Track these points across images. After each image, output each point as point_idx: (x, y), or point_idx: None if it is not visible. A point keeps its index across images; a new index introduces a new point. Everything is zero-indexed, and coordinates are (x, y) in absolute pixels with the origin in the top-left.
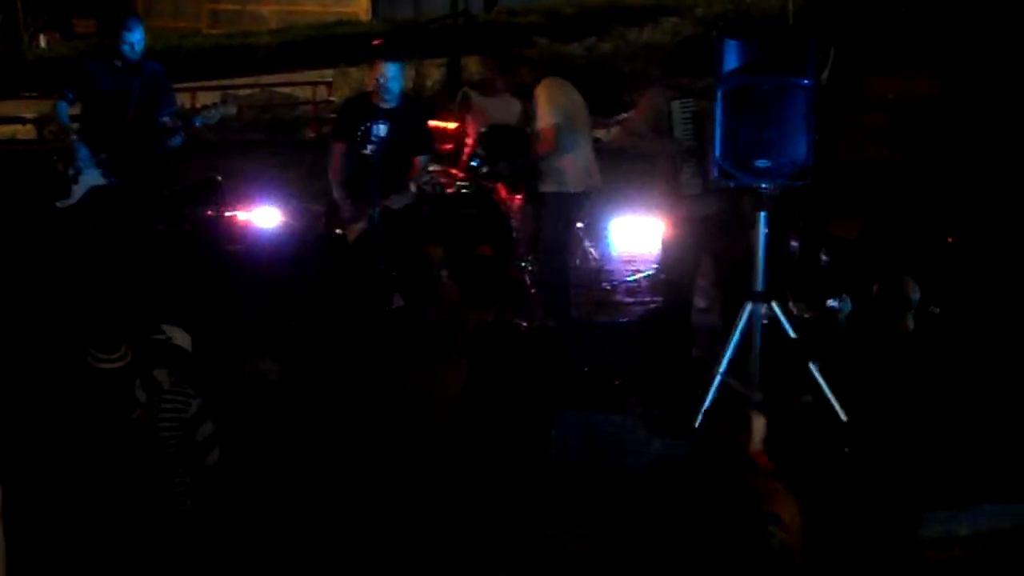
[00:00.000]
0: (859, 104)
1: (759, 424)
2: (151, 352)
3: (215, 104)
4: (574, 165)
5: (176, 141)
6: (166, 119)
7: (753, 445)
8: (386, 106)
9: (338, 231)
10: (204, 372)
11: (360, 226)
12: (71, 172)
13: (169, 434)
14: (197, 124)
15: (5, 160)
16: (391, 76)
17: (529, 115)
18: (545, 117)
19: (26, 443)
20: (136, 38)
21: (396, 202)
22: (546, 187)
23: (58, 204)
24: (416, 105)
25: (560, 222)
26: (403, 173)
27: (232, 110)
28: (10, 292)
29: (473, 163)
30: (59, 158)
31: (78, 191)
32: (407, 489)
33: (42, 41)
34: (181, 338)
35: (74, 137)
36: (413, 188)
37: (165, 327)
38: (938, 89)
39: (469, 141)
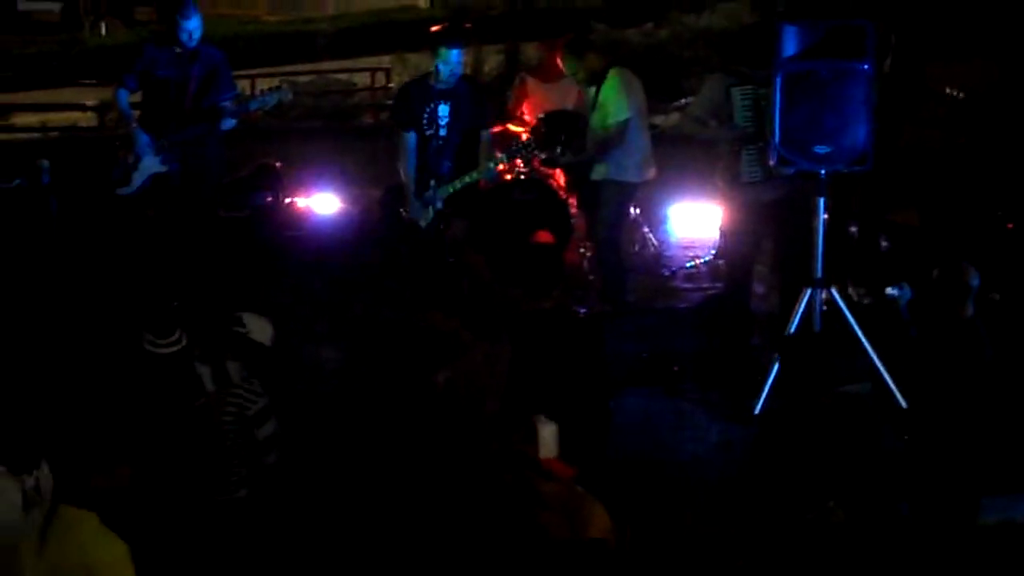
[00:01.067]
0: (920, 91)
1: (548, 432)
2: (227, 343)
3: (271, 88)
4: (634, 156)
5: (229, 124)
6: (227, 103)
7: (544, 453)
8: (444, 87)
9: (403, 213)
10: (277, 367)
11: (429, 212)
12: (131, 160)
13: (229, 428)
14: (252, 108)
15: (67, 147)
16: (454, 62)
17: (590, 102)
18: (619, 111)
19: (82, 424)
20: (193, 25)
21: (469, 181)
22: (605, 175)
23: (119, 192)
24: (472, 82)
25: (618, 210)
26: (472, 150)
27: (288, 95)
28: (68, 279)
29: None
30: (120, 145)
31: (138, 178)
32: (459, 476)
33: (103, 29)
34: (261, 331)
35: (134, 125)
36: (491, 165)
37: (247, 317)
38: (996, 76)
39: (526, 127)
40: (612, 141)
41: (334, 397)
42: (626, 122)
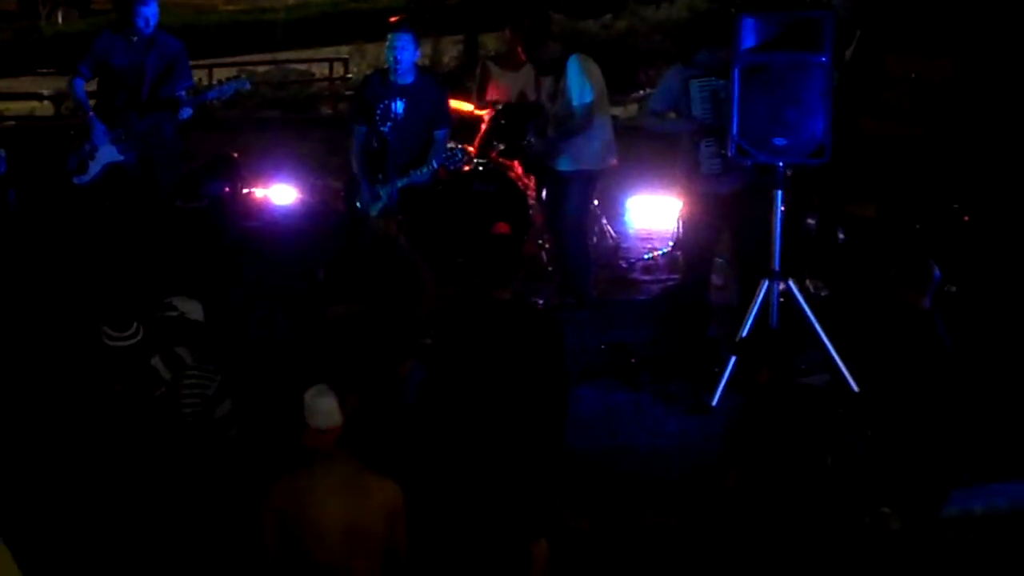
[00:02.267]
0: (879, 82)
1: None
2: (168, 329)
3: (229, 79)
4: (595, 143)
5: (186, 113)
6: (182, 94)
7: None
8: (402, 82)
9: (358, 205)
10: (222, 346)
11: (378, 205)
12: (87, 149)
13: (191, 411)
14: (210, 97)
15: (23, 136)
16: (398, 47)
17: (550, 91)
18: (582, 95)
19: (41, 422)
20: (150, 11)
21: (413, 178)
22: (567, 165)
23: (75, 181)
24: (433, 79)
25: (581, 201)
26: (422, 150)
27: (246, 85)
28: (27, 270)
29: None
30: (76, 134)
31: (94, 168)
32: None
33: (59, 17)
34: (194, 309)
35: (91, 114)
36: (434, 164)
37: (176, 301)
38: (951, 69)
39: (486, 116)
40: (576, 125)
41: (286, 380)
42: (589, 106)
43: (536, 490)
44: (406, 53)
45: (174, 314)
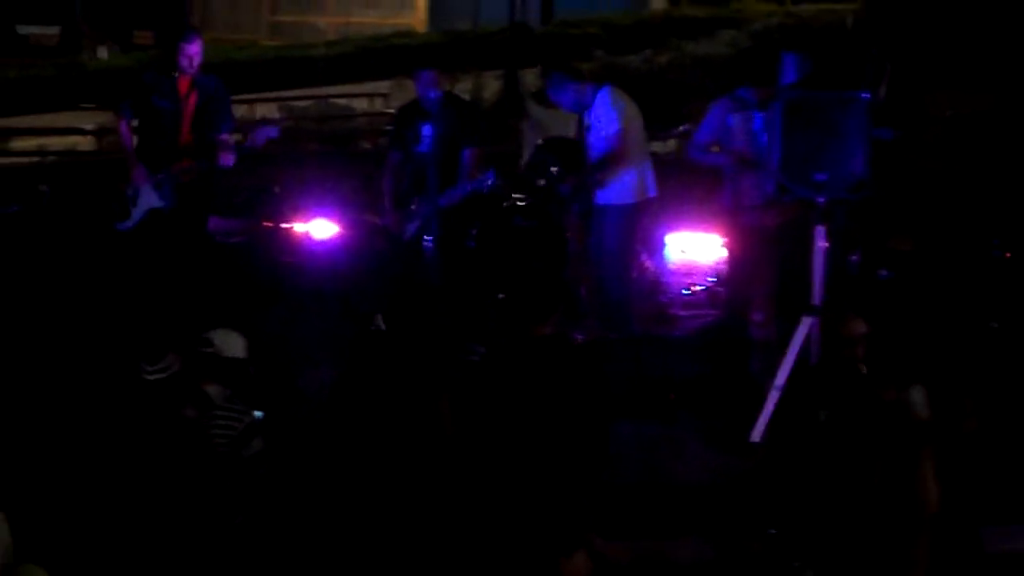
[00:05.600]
0: (919, 119)
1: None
2: (200, 366)
3: (261, 124)
4: (636, 176)
5: (228, 160)
6: (225, 136)
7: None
8: (428, 107)
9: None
10: (260, 383)
11: (413, 226)
12: (130, 194)
13: (222, 451)
14: (246, 147)
15: (65, 174)
16: (422, 81)
17: (585, 124)
18: (609, 124)
19: (79, 455)
20: (194, 50)
21: (442, 201)
22: (602, 198)
23: (118, 226)
24: (457, 102)
25: (622, 235)
26: (455, 170)
27: (274, 133)
28: (68, 310)
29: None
30: (119, 177)
31: (137, 213)
32: (458, 498)
33: (101, 52)
34: (234, 344)
35: (133, 157)
36: (468, 187)
37: (215, 336)
38: (991, 104)
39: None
40: (609, 156)
41: (328, 419)
42: (615, 136)
43: (569, 513)
44: (429, 90)
45: (208, 350)
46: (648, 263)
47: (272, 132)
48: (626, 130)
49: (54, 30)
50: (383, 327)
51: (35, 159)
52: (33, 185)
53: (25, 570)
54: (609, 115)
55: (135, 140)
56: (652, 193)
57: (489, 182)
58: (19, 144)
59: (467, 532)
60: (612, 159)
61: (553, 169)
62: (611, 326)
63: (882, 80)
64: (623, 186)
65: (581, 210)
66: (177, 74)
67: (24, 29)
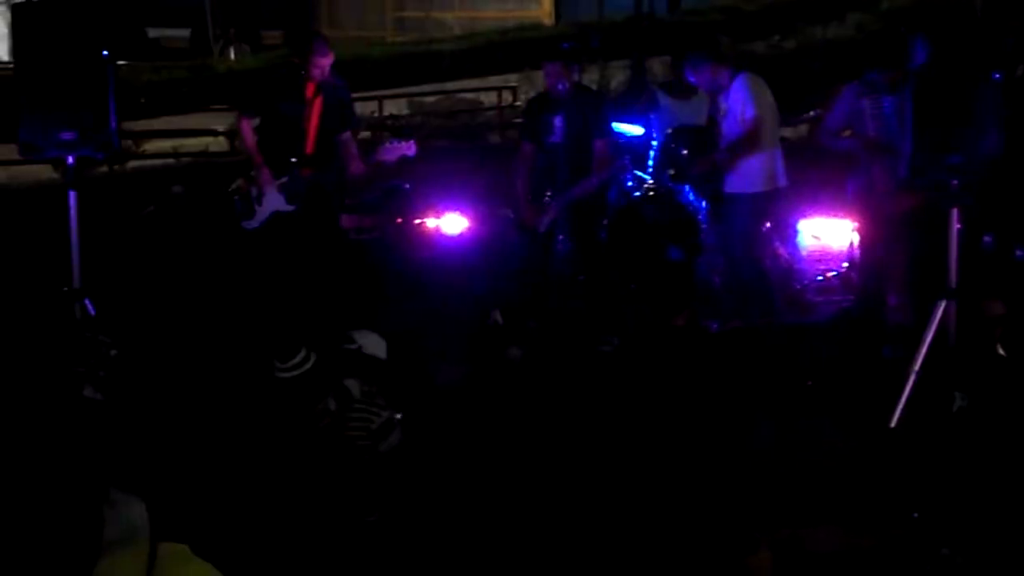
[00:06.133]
0: None
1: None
2: (341, 362)
3: (395, 141)
4: (767, 164)
5: (359, 171)
6: (347, 136)
7: None
8: (558, 98)
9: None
10: (398, 380)
11: (547, 217)
12: (255, 194)
13: (360, 445)
14: (375, 160)
15: (199, 175)
16: (549, 73)
17: (720, 109)
18: (751, 109)
19: (215, 456)
20: (326, 62)
21: (576, 191)
22: (733, 186)
23: (244, 225)
24: (587, 92)
25: (751, 224)
26: (587, 161)
27: (411, 151)
28: (200, 309)
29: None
30: (245, 178)
31: (262, 213)
32: (607, 492)
33: (232, 54)
34: (374, 345)
35: (258, 160)
36: (595, 180)
37: (357, 334)
38: None
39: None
40: (743, 141)
41: (462, 417)
42: (751, 122)
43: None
44: (557, 80)
45: (352, 347)
46: (781, 250)
47: (409, 151)
48: (762, 117)
49: (184, 33)
50: (500, 322)
51: (169, 161)
52: (167, 186)
53: (166, 548)
54: (746, 100)
55: (256, 140)
56: (782, 182)
57: (623, 167)
58: (153, 146)
59: (642, 531)
60: (746, 143)
61: (683, 152)
62: (752, 314)
63: (1019, 60)
64: (753, 174)
65: (712, 196)
66: (305, 81)
67: (155, 32)
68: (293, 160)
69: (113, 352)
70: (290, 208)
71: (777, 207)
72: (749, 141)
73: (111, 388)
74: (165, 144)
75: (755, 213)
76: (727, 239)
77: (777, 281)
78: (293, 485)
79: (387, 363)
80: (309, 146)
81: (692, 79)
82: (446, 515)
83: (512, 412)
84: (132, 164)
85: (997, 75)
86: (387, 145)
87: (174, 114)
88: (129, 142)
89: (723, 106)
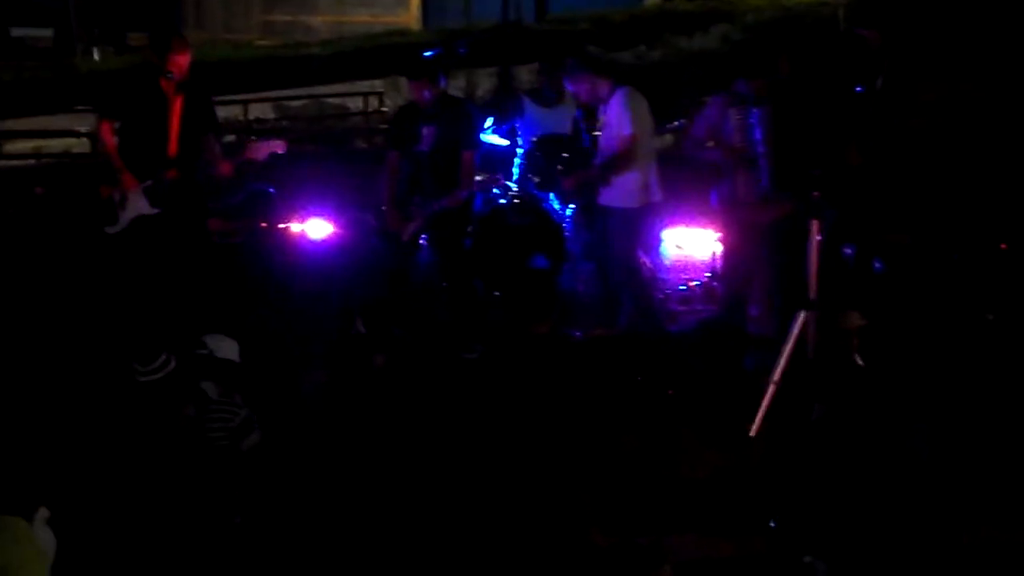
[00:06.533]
0: (913, 109)
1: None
2: (195, 366)
3: (264, 142)
4: (642, 180)
5: (226, 171)
6: (212, 141)
7: None
8: (429, 108)
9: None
10: (255, 382)
11: (413, 226)
12: (117, 199)
13: (218, 444)
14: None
15: (61, 177)
16: (413, 88)
17: (597, 121)
18: (628, 126)
19: (78, 461)
20: (183, 60)
21: (443, 203)
22: (612, 201)
23: (107, 230)
24: (456, 102)
25: (630, 235)
26: (453, 172)
27: (278, 149)
28: (57, 312)
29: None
30: (104, 182)
31: (125, 217)
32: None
33: (95, 54)
34: (227, 349)
35: (119, 165)
36: (463, 192)
37: (209, 339)
38: (983, 93)
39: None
40: (618, 159)
41: (325, 418)
42: (630, 138)
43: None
44: (425, 93)
45: (204, 352)
46: (645, 259)
47: (279, 148)
48: (638, 135)
49: (48, 32)
50: (363, 330)
51: (30, 162)
52: (28, 188)
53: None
54: (624, 116)
55: (117, 143)
56: (656, 197)
57: (494, 180)
58: (14, 147)
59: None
60: (621, 161)
61: (549, 161)
62: (623, 323)
63: (880, 71)
64: (627, 189)
65: (583, 206)
66: (164, 82)
67: (18, 31)
68: (156, 163)
69: None
70: (154, 211)
71: (648, 221)
72: (624, 159)
73: None
74: (27, 145)
75: (629, 227)
76: (601, 249)
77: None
78: (157, 488)
79: (241, 366)
80: (172, 148)
81: (571, 88)
82: (309, 517)
83: (374, 417)
84: None
85: (859, 88)
86: (257, 143)
87: (36, 115)
88: None
89: (601, 118)
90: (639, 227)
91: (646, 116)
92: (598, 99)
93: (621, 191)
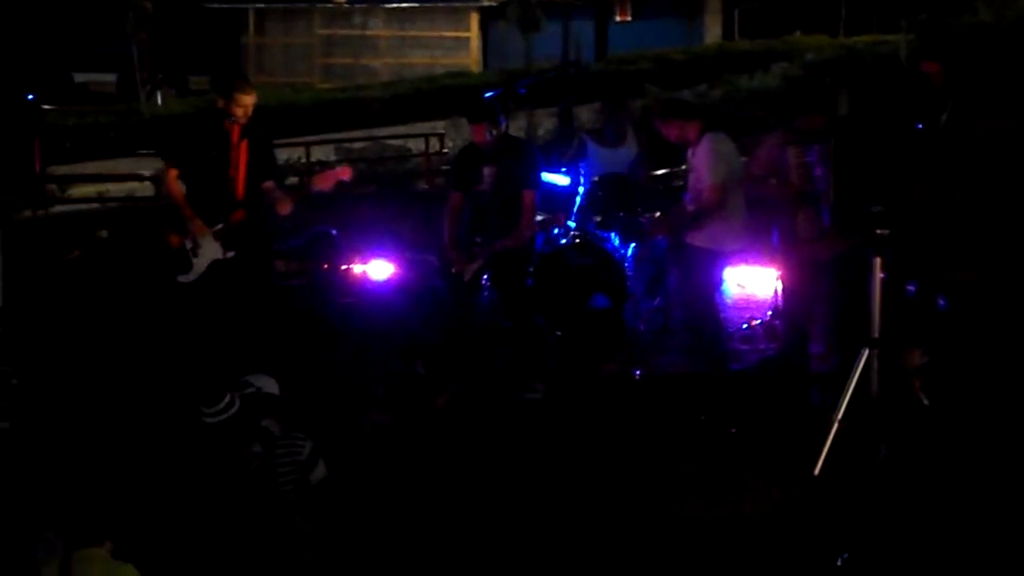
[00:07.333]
0: (978, 145)
1: None
2: (250, 406)
3: (330, 172)
4: (730, 224)
5: (287, 210)
6: (271, 183)
7: None
8: (490, 149)
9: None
10: (310, 417)
11: (474, 266)
12: (189, 246)
13: (287, 479)
14: (316, 191)
15: (125, 220)
16: (474, 132)
17: (688, 166)
18: (711, 176)
19: (150, 507)
20: (249, 100)
21: (504, 243)
22: (698, 241)
23: (181, 279)
24: (520, 144)
25: (708, 279)
26: (515, 212)
27: (344, 177)
28: (126, 354)
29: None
30: (172, 230)
31: (200, 265)
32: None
33: (158, 98)
34: (269, 386)
35: (188, 213)
36: (525, 232)
37: (251, 378)
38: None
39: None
40: (705, 206)
41: (387, 459)
42: (714, 187)
43: None
44: (480, 135)
45: (252, 390)
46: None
47: (344, 175)
48: (722, 184)
49: (111, 77)
50: (422, 372)
51: (94, 205)
52: (93, 231)
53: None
54: (709, 163)
55: (184, 190)
56: (743, 243)
57: (554, 219)
58: (79, 191)
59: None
60: (706, 211)
61: (622, 213)
62: (693, 362)
63: (944, 109)
64: (715, 233)
65: (668, 246)
66: (228, 124)
67: (82, 77)
68: (224, 207)
69: (13, 381)
70: (228, 255)
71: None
72: (708, 208)
73: (15, 416)
74: (90, 189)
75: (712, 268)
76: (680, 288)
77: None
78: (229, 528)
79: (281, 398)
80: (239, 190)
81: (660, 129)
82: (374, 555)
83: (437, 457)
84: (57, 208)
85: (919, 124)
86: (322, 173)
87: (100, 159)
88: (54, 186)
89: (690, 161)
90: (722, 269)
91: (733, 161)
92: (686, 141)
93: (711, 232)
